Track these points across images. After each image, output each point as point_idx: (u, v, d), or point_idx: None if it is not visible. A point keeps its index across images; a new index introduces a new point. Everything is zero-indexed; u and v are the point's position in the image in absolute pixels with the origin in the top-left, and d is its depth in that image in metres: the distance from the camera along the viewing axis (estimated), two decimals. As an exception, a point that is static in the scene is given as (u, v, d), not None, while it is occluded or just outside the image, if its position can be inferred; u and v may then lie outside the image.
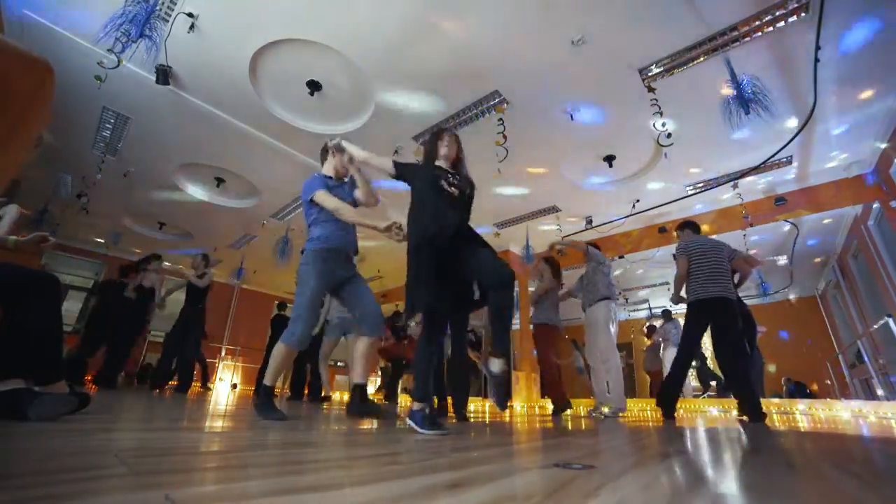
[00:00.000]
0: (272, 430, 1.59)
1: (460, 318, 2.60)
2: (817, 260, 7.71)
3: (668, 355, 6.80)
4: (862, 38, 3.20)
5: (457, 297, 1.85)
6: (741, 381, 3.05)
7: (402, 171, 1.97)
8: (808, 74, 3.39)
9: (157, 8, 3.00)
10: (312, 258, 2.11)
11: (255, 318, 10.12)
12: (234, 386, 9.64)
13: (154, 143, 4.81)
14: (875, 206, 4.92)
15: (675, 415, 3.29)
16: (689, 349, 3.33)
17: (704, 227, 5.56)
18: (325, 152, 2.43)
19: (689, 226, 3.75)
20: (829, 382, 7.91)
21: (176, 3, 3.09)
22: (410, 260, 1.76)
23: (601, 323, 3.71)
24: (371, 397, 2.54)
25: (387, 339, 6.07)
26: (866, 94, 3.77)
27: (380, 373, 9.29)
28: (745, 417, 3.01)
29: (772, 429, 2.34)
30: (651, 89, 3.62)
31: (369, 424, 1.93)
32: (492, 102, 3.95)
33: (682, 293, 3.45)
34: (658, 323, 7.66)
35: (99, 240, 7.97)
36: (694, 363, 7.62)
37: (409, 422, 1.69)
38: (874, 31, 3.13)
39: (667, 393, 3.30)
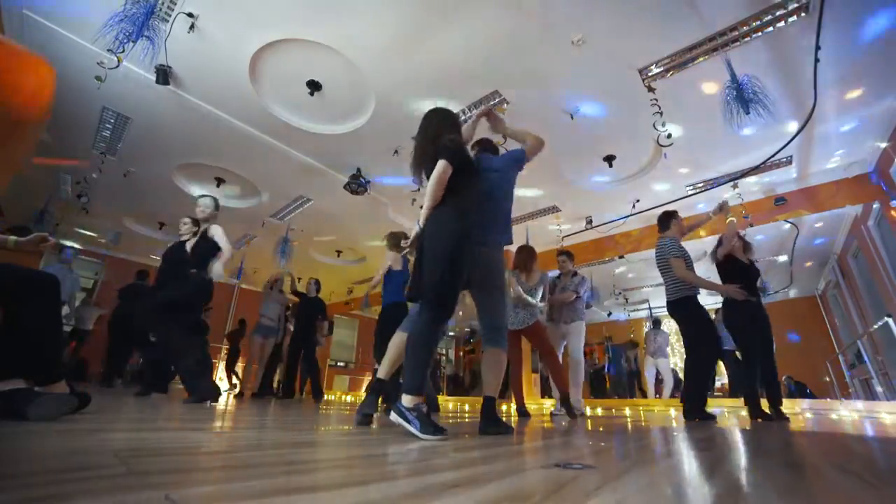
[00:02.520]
0: (272, 430, 1.59)
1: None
2: (817, 260, 7.72)
3: (645, 364, 7.16)
4: (862, 39, 3.21)
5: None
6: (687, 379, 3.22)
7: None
8: (808, 74, 3.39)
9: (157, 8, 3.00)
10: None
11: (255, 318, 10.10)
12: (234, 386, 9.63)
13: (154, 143, 4.82)
14: (875, 206, 4.92)
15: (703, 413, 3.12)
16: (685, 351, 3.41)
17: (702, 231, 5.60)
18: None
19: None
20: (827, 379, 7.92)
21: (176, 3, 3.09)
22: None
23: (582, 333, 4.03)
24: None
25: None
26: (865, 93, 3.77)
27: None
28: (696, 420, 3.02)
29: (772, 429, 2.34)
30: (651, 89, 3.62)
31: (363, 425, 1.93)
32: (492, 102, 3.95)
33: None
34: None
35: (93, 234, 7.94)
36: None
37: (400, 422, 1.47)
38: (874, 31, 3.13)
39: (687, 398, 3.18)
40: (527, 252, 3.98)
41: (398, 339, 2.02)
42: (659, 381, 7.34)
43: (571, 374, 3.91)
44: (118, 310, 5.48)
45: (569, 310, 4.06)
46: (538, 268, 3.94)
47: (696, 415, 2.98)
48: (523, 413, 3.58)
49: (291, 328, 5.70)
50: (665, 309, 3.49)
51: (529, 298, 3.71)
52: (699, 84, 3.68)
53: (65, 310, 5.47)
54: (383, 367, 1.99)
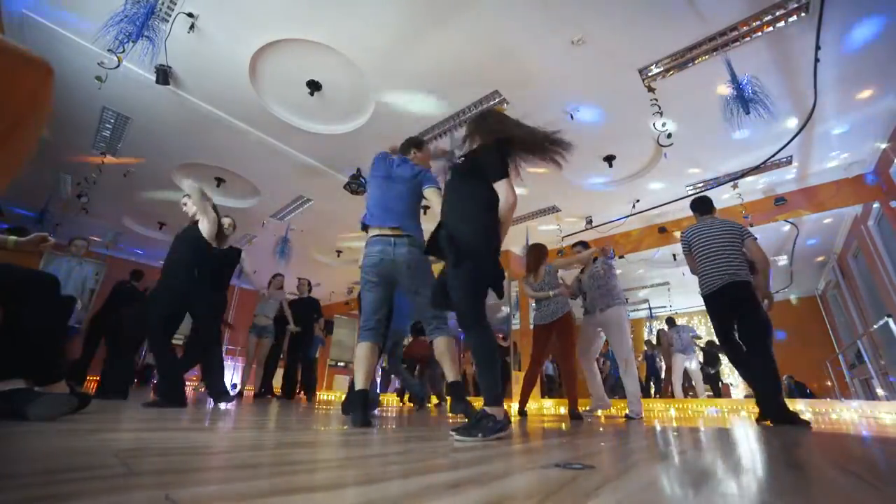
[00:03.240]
0: (273, 430, 1.59)
1: None
2: (817, 260, 7.72)
3: (675, 362, 6.76)
4: (862, 38, 3.21)
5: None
6: (760, 378, 2.75)
7: None
8: (808, 74, 3.39)
9: (157, 8, 3.00)
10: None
11: (249, 319, 10.08)
12: (234, 386, 9.64)
13: (154, 143, 4.82)
14: (875, 206, 4.92)
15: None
16: (725, 347, 3.03)
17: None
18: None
19: (693, 208, 3.36)
20: (829, 384, 7.91)
21: (176, 3, 3.09)
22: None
23: (624, 325, 3.61)
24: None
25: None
26: (866, 94, 3.77)
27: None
28: (767, 421, 2.67)
29: (772, 429, 2.34)
30: (651, 89, 3.62)
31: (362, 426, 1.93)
32: (492, 102, 3.96)
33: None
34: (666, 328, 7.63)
35: (97, 238, 7.95)
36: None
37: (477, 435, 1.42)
38: (874, 31, 3.14)
39: (757, 396, 2.95)
40: (535, 252, 3.89)
41: (364, 352, 2.05)
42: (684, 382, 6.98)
43: (624, 378, 3.54)
44: (103, 310, 5.30)
45: (602, 294, 3.68)
46: (546, 262, 3.86)
47: (787, 416, 2.55)
48: (521, 413, 3.56)
49: (292, 328, 5.68)
50: (667, 306, 3.37)
51: (542, 293, 3.67)
52: (699, 84, 3.67)
53: (78, 304, 4.90)
54: (359, 380, 2.02)
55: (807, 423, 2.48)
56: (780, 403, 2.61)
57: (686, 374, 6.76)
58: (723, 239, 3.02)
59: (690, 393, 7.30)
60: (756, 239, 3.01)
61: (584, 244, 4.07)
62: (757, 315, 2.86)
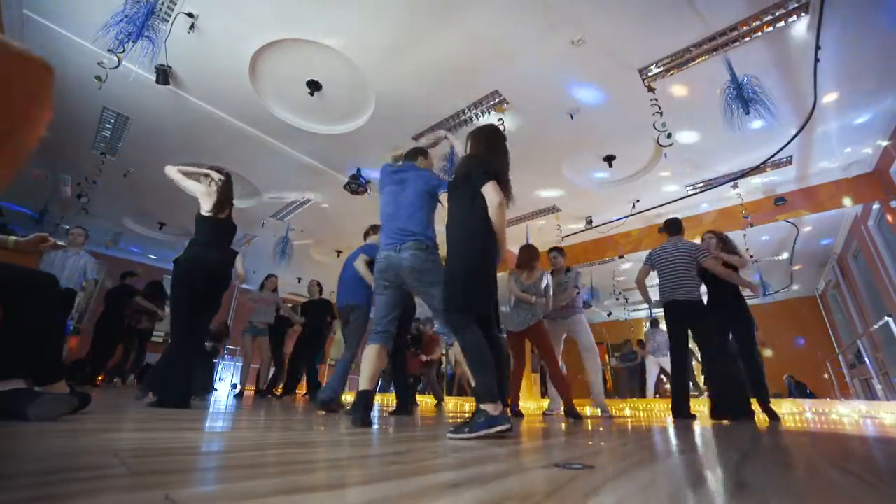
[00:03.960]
0: (272, 430, 1.59)
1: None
2: (817, 260, 7.71)
3: (648, 364, 7.00)
4: (862, 39, 3.20)
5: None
6: (721, 380, 3.19)
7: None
8: (808, 74, 3.39)
9: (157, 8, 3.00)
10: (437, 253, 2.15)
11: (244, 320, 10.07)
12: (235, 386, 9.64)
13: (154, 143, 4.82)
14: (875, 206, 4.92)
15: (691, 414, 3.32)
16: (674, 352, 3.49)
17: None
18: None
19: (664, 228, 3.86)
20: (827, 376, 7.91)
21: (176, 3, 3.09)
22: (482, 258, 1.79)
23: (586, 324, 4.05)
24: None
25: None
26: (865, 93, 3.77)
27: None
28: (725, 420, 3.08)
29: (771, 428, 2.34)
30: (651, 89, 3.62)
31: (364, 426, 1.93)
32: (492, 102, 3.96)
33: (655, 297, 3.73)
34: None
35: (98, 237, 7.96)
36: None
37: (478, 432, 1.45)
38: (874, 30, 3.13)
39: (674, 398, 3.37)
40: (528, 251, 3.96)
41: (372, 353, 2.08)
42: (660, 381, 7.24)
43: (588, 364, 3.91)
44: (105, 312, 5.47)
45: (563, 304, 4.04)
46: (539, 266, 3.92)
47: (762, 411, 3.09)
48: (516, 413, 3.57)
49: (299, 327, 5.69)
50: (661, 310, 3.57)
51: (525, 296, 3.70)
52: (699, 84, 3.67)
53: (75, 301, 4.33)
54: (364, 379, 2.04)
55: (770, 417, 3.01)
56: (740, 402, 3.05)
57: (662, 375, 6.96)
58: (678, 260, 3.49)
59: (657, 394, 7.44)
60: (711, 257, 3.44)
61: (560, 250, 4.34)
62: (701, 327, 3.35)
